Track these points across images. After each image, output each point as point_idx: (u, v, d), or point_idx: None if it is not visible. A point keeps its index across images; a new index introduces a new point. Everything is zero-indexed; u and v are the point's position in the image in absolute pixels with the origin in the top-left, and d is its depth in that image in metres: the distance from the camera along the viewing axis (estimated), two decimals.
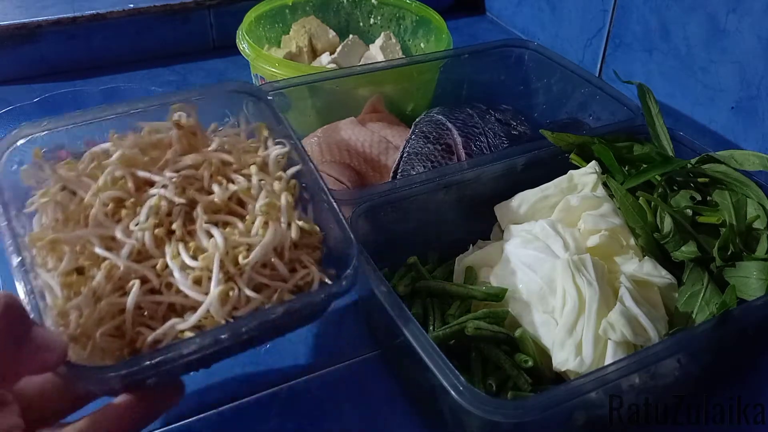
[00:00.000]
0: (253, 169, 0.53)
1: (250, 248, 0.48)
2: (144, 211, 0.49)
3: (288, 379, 0.60)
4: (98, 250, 0.47)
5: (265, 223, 0.50)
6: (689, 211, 0.63)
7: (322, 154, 0.76)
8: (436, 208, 0.65)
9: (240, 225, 0.50)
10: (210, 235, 0.49)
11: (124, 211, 0.49)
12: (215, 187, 0.51)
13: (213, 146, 0.54)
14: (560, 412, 0.48)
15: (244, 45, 0.88)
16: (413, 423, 0.57)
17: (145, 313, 0.46)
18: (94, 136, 0.55)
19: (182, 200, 0.50)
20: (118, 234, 0.48)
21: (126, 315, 0.45)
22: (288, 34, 1.00)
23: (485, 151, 0.75)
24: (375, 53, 0.96)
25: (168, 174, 0.51)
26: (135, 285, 0.46)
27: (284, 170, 0.55)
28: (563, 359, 0.52)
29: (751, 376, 0.62)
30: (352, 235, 0.50)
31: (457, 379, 0.45)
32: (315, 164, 0.55)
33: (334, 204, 0.52)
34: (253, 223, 0.50)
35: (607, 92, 0.81)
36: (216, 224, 0.50)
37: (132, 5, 1.04)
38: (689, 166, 0.67)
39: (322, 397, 0.59)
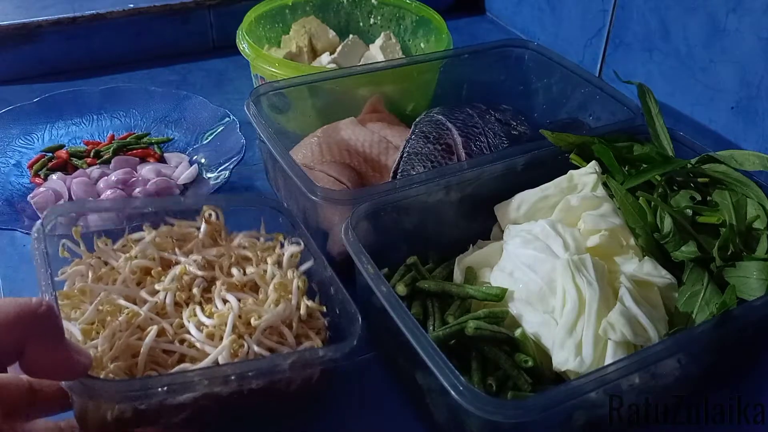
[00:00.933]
0: (269, 260, 0.59)
1: (261, 316, 0.52)
2: (168, 276, 0.54)
3: None
4: (121, 302, 0.51)
5: (277, 300, 0.54)
6: (689, 211, 0.63)
7: (322, 154, 0.76)
8: (436, 208, 0.65)
9: (254, 299, 0.55)
10: (226, 302, 0.53)
11: (149, 279, 0.54)
12: (234, 270, 0.57)
13: (235, 242, 0.61)
14: (560, 413, 0.48)
15: (244, 45, 0.88)
16: (413, 423, 0.57)
17: (159, 360, 0.49)
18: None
19: (203, 273, 0.55)
20: (143, 294, 0.53)
21: (140, 356, 0.48)
22: (288, 34, 1.00)
23: (485, 151, 0.75)
24: (375, 53, 0.97)
25: (193, 257, 0.57)
26: (153, 329, 0.49)
27: (297, 267, 0.59)
28: (563, 359, 0.52)
29: (751, 376, 0.62)
30: (359, 315, 0.53)
31: (457, 379, 0.45)
32: (324, 259, 0.59)
33: (343, 290, 0.56)
34: (266, 300, 0.54)
35: (607, 92, 0.81)
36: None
37: (132, 5, 1.04)
38: (689, 166, 0.67)
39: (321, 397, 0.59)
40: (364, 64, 0.94)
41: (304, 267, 0.59)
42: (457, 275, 0.62)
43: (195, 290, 0.54)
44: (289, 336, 0.53)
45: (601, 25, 1.00)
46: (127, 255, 0.56)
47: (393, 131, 0.80)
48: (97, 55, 1.05)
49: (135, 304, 0.52)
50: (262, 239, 0.62)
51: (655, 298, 0.57)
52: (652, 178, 0.66)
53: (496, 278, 0.60)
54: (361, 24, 1.05)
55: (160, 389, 0.44)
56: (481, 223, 0.69)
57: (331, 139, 0.79)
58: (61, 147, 0.86)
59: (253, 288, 0.57)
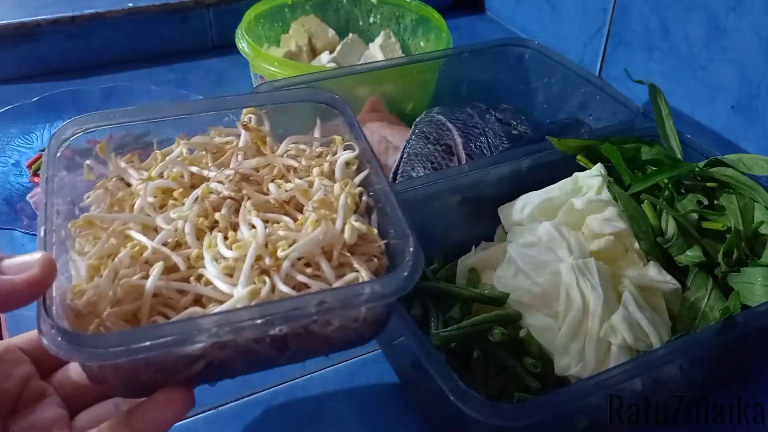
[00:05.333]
0: (316, 171, 0.49)
1: (293, 244, 0.43)
2: (189, 199, 0.46)
3: (287, 379, 0.60)
4: (132, 233, 0.44)
5: (316, 222, 0.44)
6: (695, 216, 0.62)
7: None
8: (439, 209, 0.64)
9: (289, 223, 0.46)
10: (253, 227, 0.44)
11: (171, 202, 0.46)
12: (271, 186, 0.48)
13: (279, 151, 0.51)
14: (560, 416, 0.48)
15: (243, 44, 0.88)
16: (413, 424, 0.57)
17: (170, 302, 0.42)
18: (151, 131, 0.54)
19: (231, 193, 0.46)
20: (159, 221, 0.45)
21: (143, 299, 0.40)
22: (287, 33, 1.00)
23: (485, 151, 0.75)
24: (374, 52, 0.96)
25: (226, 172, 0.48)
26: (158, 266, 0.41)
27: (352, 178, 0.50)
28: (565, 364, 0.52)
29: (751, 377, 0.62)
30: (412, 237, 0.44)
31: (456, 383, 0.45)
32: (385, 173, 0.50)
33: (400, 214, 0.46)
34: (304, 222, 0.45)
35: (607, 92, 0.80)
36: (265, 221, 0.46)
37: (131, 4, 1.04)
38: (697, 169, 0.66)
39: (321, 397, 0.59)
40: (364, 63, 0.93)
41: (359, 177, 0.49)
42: (460, 277, 0.62)
43: (219, 213, 0.45)
44: (327, 268, 0.43)
45: (601, 23, 1.00)
46: (147, 174, 0.47)
47: (393, 131, 0.80)
48: (96, 54, 1.05)
49: (156, 233, 0.44)
50: (315, 145, 0.52)
51: (659, 303, 0.57)
52: (660, 181, 0.65)
53: (498, 280, 0.59)
54: (360, 23, 1.05)
55: (150, 341, 0.36)
56: (484, 225, 0.68)
57: None
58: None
59: (297, 206, 0.48)
